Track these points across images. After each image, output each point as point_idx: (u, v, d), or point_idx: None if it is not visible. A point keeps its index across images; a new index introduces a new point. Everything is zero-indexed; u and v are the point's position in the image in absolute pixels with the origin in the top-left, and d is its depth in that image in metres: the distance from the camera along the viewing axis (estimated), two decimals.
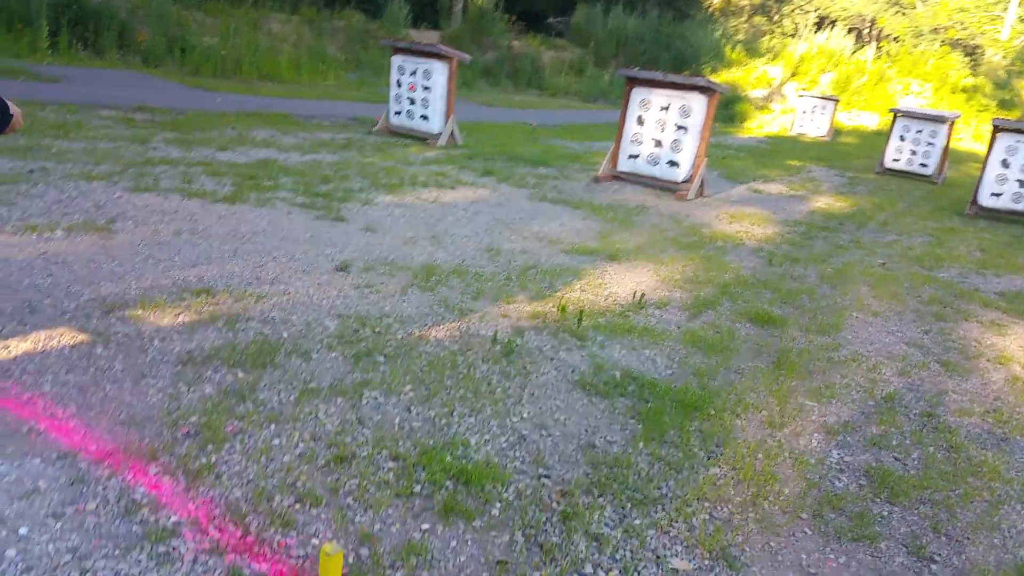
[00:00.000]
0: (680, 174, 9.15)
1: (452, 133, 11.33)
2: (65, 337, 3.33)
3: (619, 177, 9.74)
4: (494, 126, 14.56)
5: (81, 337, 3.36)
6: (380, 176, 7.99)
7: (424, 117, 11.32)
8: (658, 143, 9.26)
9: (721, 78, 25.80)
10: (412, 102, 11.42)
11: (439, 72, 11.11)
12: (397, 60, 11.61)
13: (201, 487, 2.44)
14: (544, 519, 2.53)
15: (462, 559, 2.29)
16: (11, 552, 2.06)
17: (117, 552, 2.11)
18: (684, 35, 27.92)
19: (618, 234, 6.86)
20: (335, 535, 2.30)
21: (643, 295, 5.06)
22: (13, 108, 1.86)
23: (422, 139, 11.27)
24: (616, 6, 28.73)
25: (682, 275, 5.78)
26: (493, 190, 8.16)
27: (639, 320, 4.63)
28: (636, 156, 9.47)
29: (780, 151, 16.19)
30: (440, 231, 6.11)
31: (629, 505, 2.67)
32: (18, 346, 3.21)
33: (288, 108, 12.96)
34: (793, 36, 32.21)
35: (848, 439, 3.43)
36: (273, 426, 2.86)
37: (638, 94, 9.38)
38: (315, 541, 2.26)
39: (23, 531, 2.14)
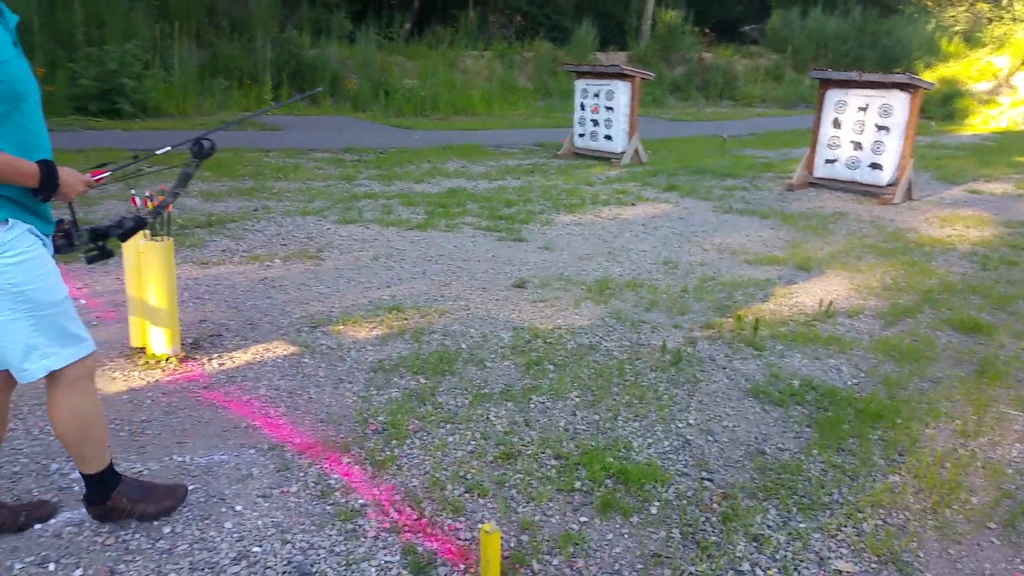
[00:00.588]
0: (884, 177, 8.60)
1: (636, 151, 11.46)
2: (279, 349, 3.87)
3: (816, 184, 9.33)
4: (682, 141, 14.47)
5: (292, 349, 3.89)
6: (561, 197, 8.29)
7: (607, 137, 11.54)
8: (857, 145, 8.78)
9: (937, 73, 23.72)
10: (595, 123, 11.70)
11: (621, 92, 11.31)
12: (580, 84, 11.98)
13: (385, 476, 2.77)
14: (703, 519, 2.58)
15: (617, 551, 2.41)
16: (228, 524, 2.48)
17: (312, 527, 2.47)
18: (891, 31, 26.00)
19: (810, 242, 6.62)
20: (498, 521, 2.52)
21: (831, 303, 4.87)
22: (71, 177, 2.10)
23: (606, 159, 11.49)
24: (814, 8, 27.44)
25: (880, 283, 5.48)
26: (675, 204, 8.17)
27: (826, 329, 4.48)
28: (834, 160, 9.04)
29: (1007, 148, 14.57)
30: (617, 247, 6.26)
31: (795, 509, 2.65)
32: (241, 357, 3.78)
33: (479, 139, 13.76)
34: None
35: None
36: (448, 425, 3.16)
37: (833, 96, 8.97)
38: (460, 526, 2.49)
39: (238, 507, 2.56)
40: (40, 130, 2.12)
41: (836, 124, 8.94)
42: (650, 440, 3.11)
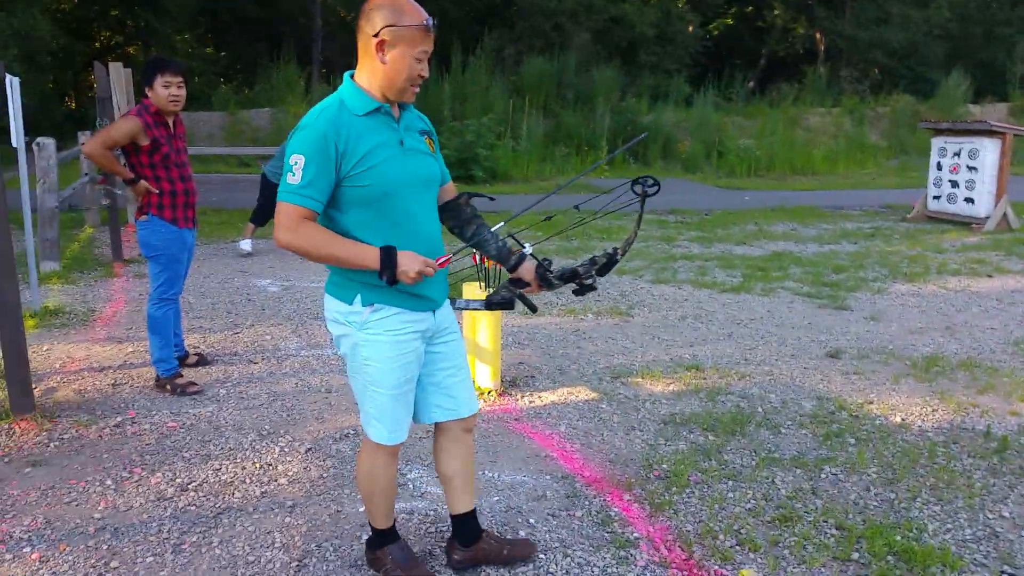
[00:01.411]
0: None
1: (1004, 216, 10.31)
2: (581, 393, 4.37)
3: None
4: None
5: (593, 395, 4.36)
6: (902, 265, 7.84)
7: (968, 200, 10.57)
8: None
9: None
10: (954, 184, 10.80)
11: (988, 150, 10.34)
12: (938, 142, 11.19)
13: (661, 517, 3.06)
14: None
15: None
16: (522, 532, 2.96)
17: (590, 548, 2.84)
18: None
19: None
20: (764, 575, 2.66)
21: None
22: (410, 261, 2.15)
23: (965, 224, 10.50)
24: None
25: None
26: None
27: None
28: None
29: None
30: (958, 322, 5.81)
31: None
32: (548, 397, 4.35)
33: (816, 200, 13.40)
34: None
35: None
36: (730, 482, 3.34)
37: None
38: (728, 574, 2.66)
39: (532, 520, 3.04)
40: (411, 220, 2.28)
41: None
42: (950, 526, 2.99)
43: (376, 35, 2.11)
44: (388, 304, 2.28)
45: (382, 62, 2.14)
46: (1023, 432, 3.83)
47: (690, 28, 25.37)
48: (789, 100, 22.58)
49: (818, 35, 26.89)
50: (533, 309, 2.54)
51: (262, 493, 3.27)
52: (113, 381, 4.54)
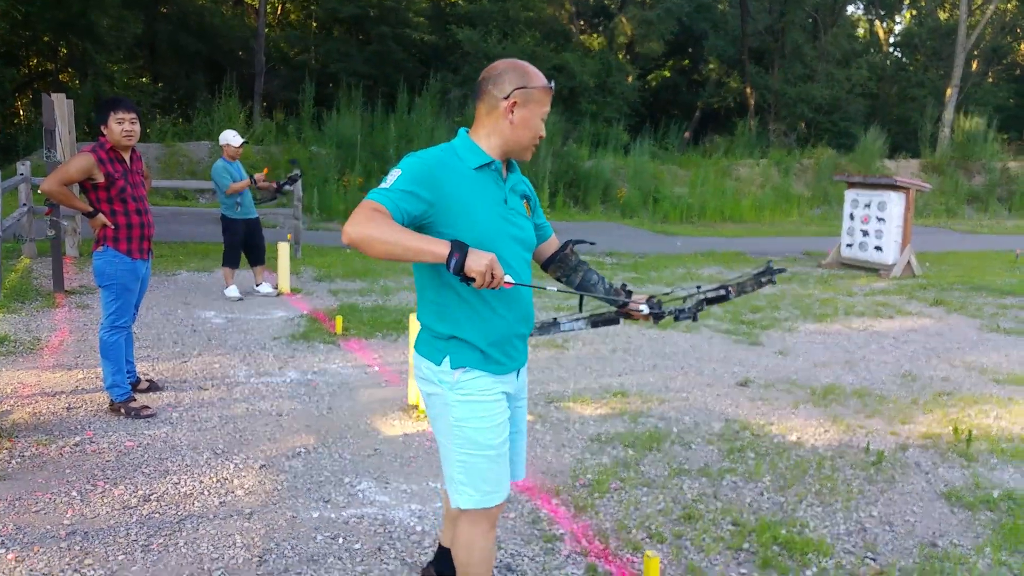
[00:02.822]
0: None
1: (909, 263, 11.26)
2: None
3: None
4: (970, 255, 13.78)
5: (528, 417, 4.79)
6: (813, 306, 8.58)
7: (878, 248, 11.50)
8: None
9: None
10: (865, 234, 11.73)
11: (894, 203, 11.31)
12: (851, 194, 12.14)
13: (584, 516, 3.53)
14: None
15: None
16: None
17: (522, 542, 3.29)
18: None
19: None
20: (668, 562, 3.15)
21: None
22: (478, 260, 2.04)
23: (874, 270, 11.42)
24: None
25: None
26: (938, 320, 8.08)
27: None
28: None
29: None
30: (856, 357, 6.50)
31: None
32: None
33: (742, 246, 14.27)
34: None
35: None
36: (645, 488, 3.85)
37: None
38: (637, 560, 3.13)
39: None
40: (508, 273, 2.25)
41: None
42: (827, 523, 3.54)
43: (507, 97, 2.23)
44: (475, 367, 2.29)
45: (511, 122, 2.25)
46: (899, 449, 4.45)
47: (629, 79, 26.61)
48: (721, 151, 23.84)
49: (749, 90, 28.45)
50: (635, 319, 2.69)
51: (220, 503, 3.62)
52: (67, 405, 4.81)
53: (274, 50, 26.63)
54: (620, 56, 27.77)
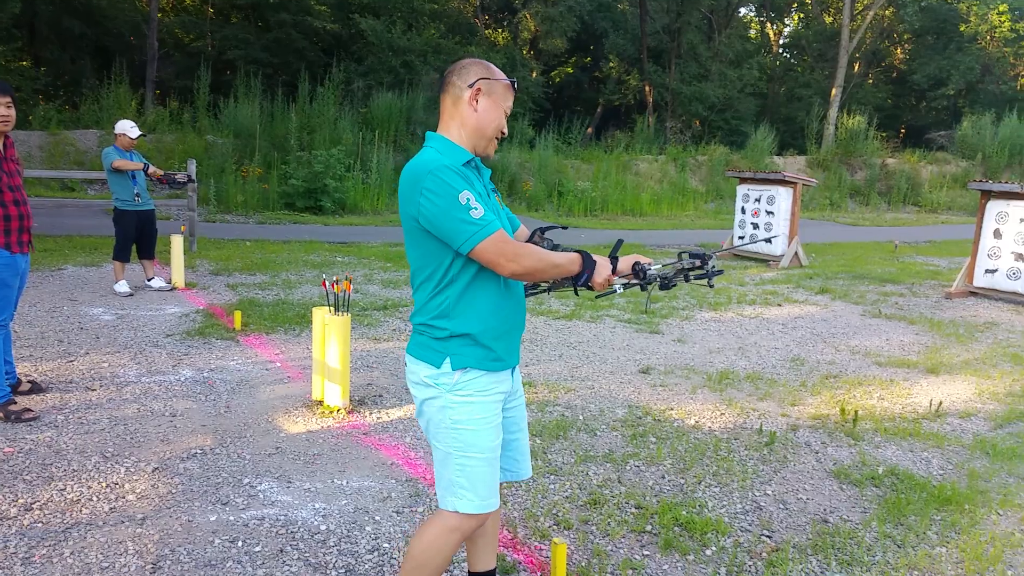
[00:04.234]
0: None
1: (796, 254, 11.76)
2: None
3: (976, 293, 9.23)
4: (853, 246, 14.50)
5: None
6: (708, 296, 8.83)
7: (767, 240, 11.92)
8: (1019, 256, 8.68)
9: None
10: (756, 227, 12.17)
11: (783, 197, 11.77)
12: (742, 189, 12.57)
13: None
14: (749, 563, 3.08)
15: None
16: (368, 528, 3.31)
17: None
18: None
19: (949, 349, 6.73)
20: (575, 547, 3.16)
21: (940, 404, 5.10)
22: (603, 270, 2.27)
23: (764, 261, 11.86)
24: (1010, 114, 26.38)
25: (1006, 390, 5.58)
26: (823, 307, 8.46)
27: (931, 427, 4.74)
28: (994, 271, 8.95)
29: None
30: (749, 343, 6.73)
31: (835, 563, 3.08)
32: (395, 413, 4.72)
33: (642, 239, 14.59)
34: None
35: None
36: (552, 476, 3.86)
37: (994, 207, 8.99)
38: (545, 548, 3.14)
39: (377, 518, 3.40)
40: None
41: (997, 235, 8.90)
42: (725, 503, 3.63)
43: (471, 85, 2.26)
44: (475, 367, 2.27)
45: (475, 111, 2.27)
46: (790, 429, 4.62)
47: (534, 74, 26.76)
48: (622, 147, 24.29)
49: (647, 88, 29.09)
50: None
51: (110, 509, 3.41)
52: None
53: (168, 36, 25.45)
54: (525, 52, 27.89)
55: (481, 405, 2.28)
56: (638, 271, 2.52)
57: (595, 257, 2.31)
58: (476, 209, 2.12)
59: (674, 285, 2.66)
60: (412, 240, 2.27)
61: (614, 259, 2.46)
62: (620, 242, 2.64)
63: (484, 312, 2.27)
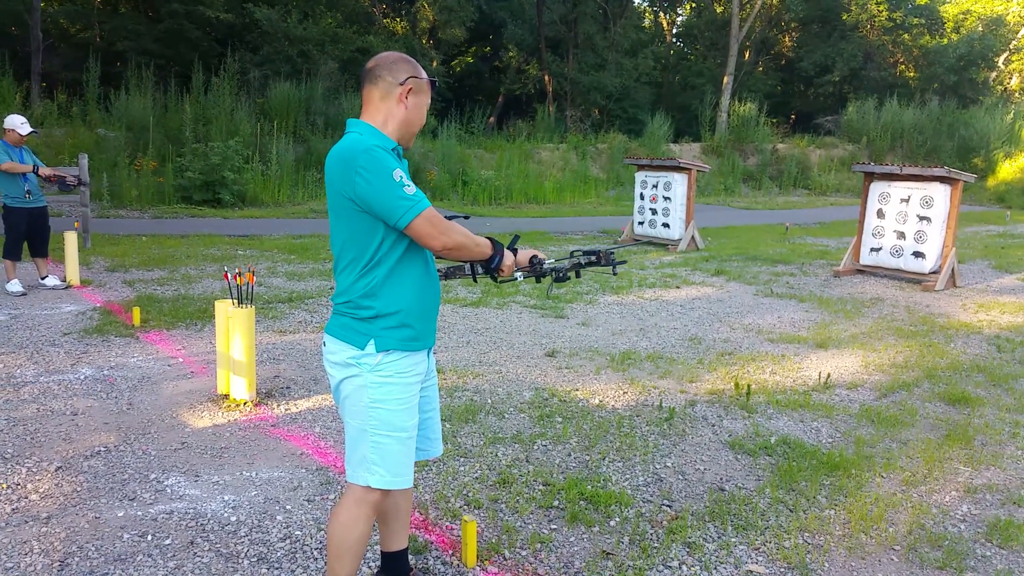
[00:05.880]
0: (927, 265, 9.05)
1: (693, 238, 12.19)
2: (331, 399, 4.74)
3: (862, 271, 9.83)
4: (747, 229, 15.12)
5: None
6: (610, 281, 9.07)
7: (665, 225, 12.35)
8: (901, 235, 9.29)
9: (1019, 163, 23.85)
10: (654, 212, 12.54)
11: (678, 183, 12.17)
12: (640, 175, 12.91)
13: None
14: (651, 531, 3.24)
15: (575, 548, 3.10)
16: (279, 517, 3.30)
17: None
18: (969, 122, 26.37)
19: (837, 324, 7.15)
20: (485, 525, 3.25)
21: (829, 376, 5.44)
22: (508, 258, 2.48)
23: (663, 245, 12.26)
24: (891, 99, 28.02)
25: (890, 361, 5.99)
26: (719, 288, 8.83)
27: (820, 398, 5.05)
28: (878, 249, 9.55)
29: None
30: (649, 325, 6.97)
31: (731, 528, 3.27)
32: (303, 404, 4.69)
33: (547, 227, 14.79)
34: None
35: (988, 497, 3.63)
36: (462, 459, 3.93)
37: (877, 188, 9.57)
38: (456, 527, 3.22)
39: (288, 507, 3.39)
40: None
41: (880, 215, 9.50)
42: (628, 476, 3.79)
43: (403, 83, 2.34)
44: (397, 349, 2.32)
45: (405, 107, 2.36)
46: (688, 405, 4.84)
47: (434, 63, 26.58)
48: (523, 136, 24.48)
49: (547, 77, 29.38)
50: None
51: (13, 510, 3.30)
52: None
53: (52, 26, 23.99)
54: (424, 41, 27.67)
55: (401, 386, 2.33)
56: (535, 264, 2.68)
57: (494, 252, 2.45)
58: (408, 186, 2.21)
59: (567, 279, 2.83)
60: (342, 221, 2.30)
61: (513, 250, 2.61)
62: (516, 237, 2.80)
63: (409, 291, 2.34)
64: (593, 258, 2.90)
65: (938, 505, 3.56)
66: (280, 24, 22.77)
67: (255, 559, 2.97)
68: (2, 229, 7.51)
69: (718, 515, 3.39)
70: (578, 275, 2.90)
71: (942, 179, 8.94)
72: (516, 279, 2.66)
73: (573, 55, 29.40)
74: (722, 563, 3.01)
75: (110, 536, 3.09)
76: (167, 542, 3.06)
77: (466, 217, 2.98)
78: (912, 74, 35.26)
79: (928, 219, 9.03)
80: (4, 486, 3.52)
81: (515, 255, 2.58)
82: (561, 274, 2.80)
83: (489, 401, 4.81)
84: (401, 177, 2.20)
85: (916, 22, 33.79)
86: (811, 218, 17.93)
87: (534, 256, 2.67)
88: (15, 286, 7.39)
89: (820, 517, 3.40)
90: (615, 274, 3.08)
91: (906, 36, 34.37)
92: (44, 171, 7.50)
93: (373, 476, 2.35)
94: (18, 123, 7.34)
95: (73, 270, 7.95)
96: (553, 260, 2.80)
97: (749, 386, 5.05)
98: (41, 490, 3.48)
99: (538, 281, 2.74)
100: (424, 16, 27.53)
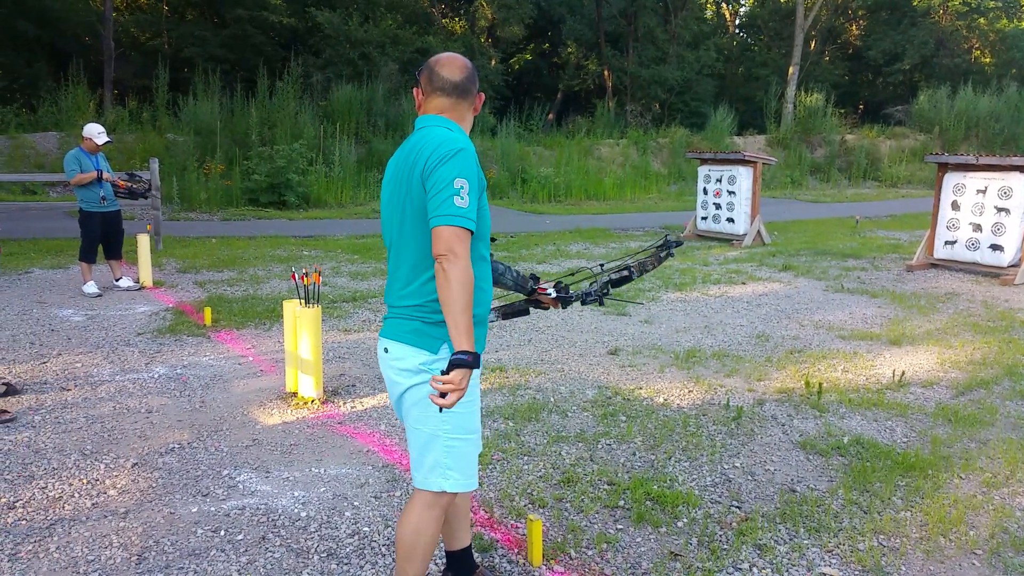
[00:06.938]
0: (1005, 258, 8.68)
1: (759, 233, 11.95)
2: None
3: (937, 265, 9.48)
4: (815, 223, 14.76)
5: None
6: (673, 276, 8.96)
7: (730, 220, 12.13)
8: (977, 227, 8.93)
9: None
10: (718, 207, 12.33)
11: (743, 177, 11.93)
12: (703, 170, 12.71)
13: None
14: (720, 532, 3.18)
15: (642, 549, 3.06)
16: (348, 513, 3.36)
17: None
18: None
19: (912, 320, 6.92)
20: (550, 524, 3.24)
21: (903, 374, 5.26)
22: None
23: (728, 241, 12.04)
24: (965, 86, 26.94)
25: (968, 358, 5.76)
26: (787, 284, 8.63)
27: (895, 397, 4.89)
28: (953, 242, 9.20)
29: None
30: (714, 322, 6.85)
31: (803, 530, 3.19)
32: (368, 402, 4.76)
33: (607, 223, 14.69)
34: None
35: None
36: (526, 458, 3.93)
37: (951, 179, 9.22)
38: (521, 526, 3.22)
39: (356, 503, 3.44)
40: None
41: (955, 207, 9.15)
42: (695, 476, 3.73)
43: (478, 92, 2.42)
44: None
45: (473, 114, 2.44)
46: (756, 404, 4.74)
47: (492, 62, 26.69)
48: (583, 132, 24.36)
49: (606, 72, 29.17)
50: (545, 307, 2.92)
51: (93, 504, 3.43)
52: None
53: (124, 35, 24.94)
54: (482, 40, 27.80)
55: (470, 388, 2.29)
56: (560, 289, 2.81)
57: (469, 360, 2.10)
58: (463, 199, 2.14)
59: (595, 300, 2.86)
60: (419, 220, 2.25)
61: (535, 279, 2.78)
62: (536, 277, 2.95)
63: (478, 292, 2.30)
64: (625, 272, 2.93)
65: (1022, 508, 3.41)
66: (341, 27, 23.18)
67: (325, 554, 3.02)
68: (78, 233, 7.83)
69: (789, 517, 3.32)
70: (607, 292, 2.96)
71: (1021, 168, 8.55)
72: (549, 295, 2.76)
73: (633, 49, 29.13)
74: (794, 566, 2.94)
75: (184, 531, 3.19)
76: (239, 537, 3.15)
77: (493, 240, 2.98)
78: (988, 60, 33.87)
79: (1006, 210, 8.65)
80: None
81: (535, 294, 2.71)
82: (587, 297, 2.86)
83: (552, 399, 4.80)
84: (462, 187, 2.15)
85: (992, 5, 32.45)
86: (882, 211, 17.39)
87: (558, 283, 2.76)
88: (91, 288, 7.70)
89: (896, 519, 3.30)
90: (671, 256, 3.11)
91: (982, 20, 33.02)
92: (106, 176, 7.79)
93: (448, 481, 2.34)
94: (95, 132, 7.65)
95: (146, 272, 8.23)
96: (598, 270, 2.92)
97: (820, 384, 4.93)
98: (119, 486, 3.61)
99: (564, 307, 2.81)
100: (483, 15, 27.66)
